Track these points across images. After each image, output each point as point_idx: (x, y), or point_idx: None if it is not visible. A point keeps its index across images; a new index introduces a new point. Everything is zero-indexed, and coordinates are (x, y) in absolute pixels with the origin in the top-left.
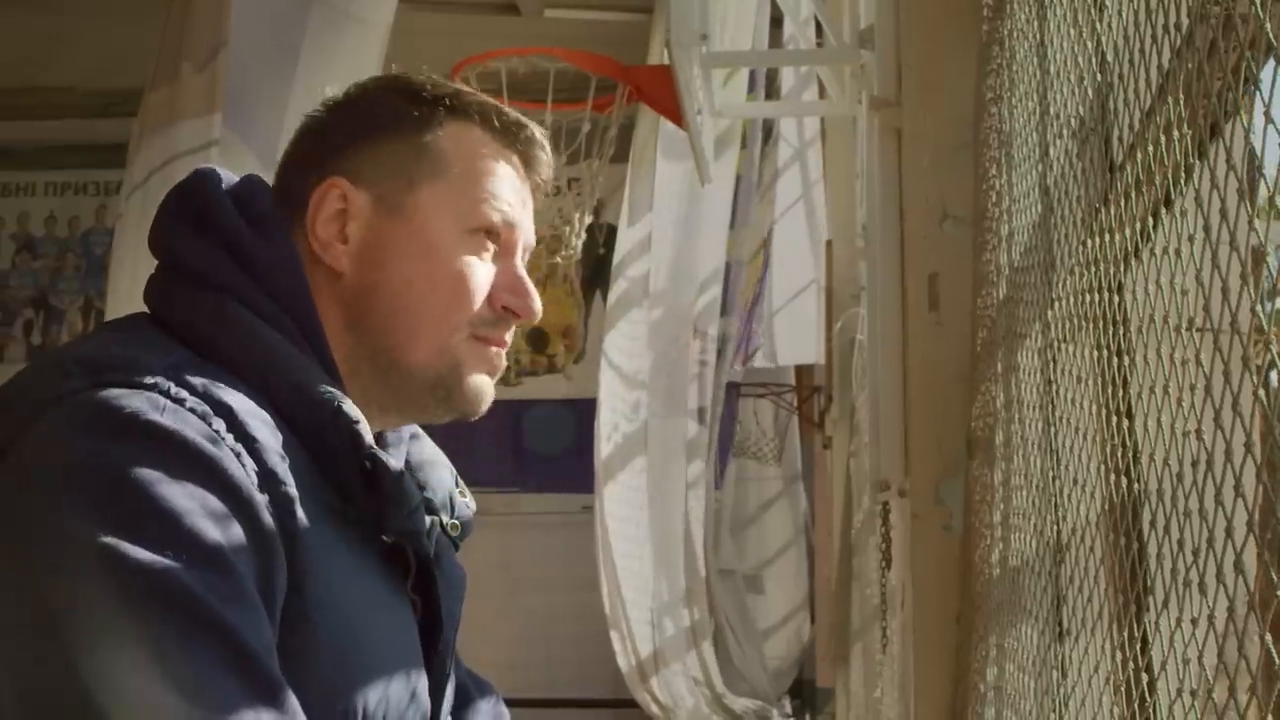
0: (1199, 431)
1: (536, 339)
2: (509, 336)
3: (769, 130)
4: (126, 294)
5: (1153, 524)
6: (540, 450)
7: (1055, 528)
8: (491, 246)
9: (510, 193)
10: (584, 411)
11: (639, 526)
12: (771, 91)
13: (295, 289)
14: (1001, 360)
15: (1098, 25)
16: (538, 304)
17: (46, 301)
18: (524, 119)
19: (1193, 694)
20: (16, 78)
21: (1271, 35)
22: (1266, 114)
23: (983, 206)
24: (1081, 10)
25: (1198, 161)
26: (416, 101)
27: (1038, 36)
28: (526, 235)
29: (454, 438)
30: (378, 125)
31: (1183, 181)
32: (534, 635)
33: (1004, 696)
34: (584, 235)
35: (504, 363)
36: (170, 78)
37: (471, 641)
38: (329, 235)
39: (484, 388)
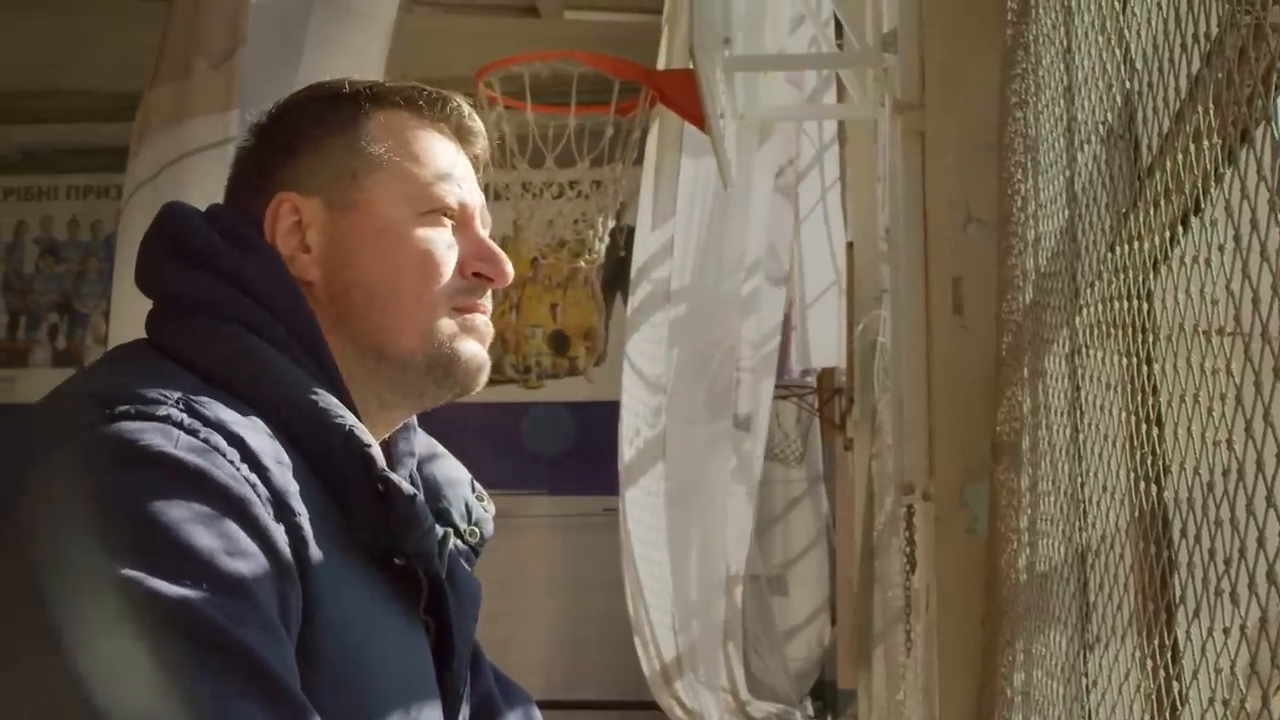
0: (1230, 441)
1: (558, 342)
2: (487, 302)
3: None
4: (133, 293)
5: (1183, 533)
6: (538, 451)
7: (1083, 534)
8: (448, 223)
9: (452, 168)
10: (581, 413)
11: (659, 532)
12: None
13: (289, 299)
14: (1028, 365)
15: (1125, 32)
16: (509, 266)
17: (70, 306)
18: (447, 93)
19: (1225, 703)
20: (37, 81)
21: None
22: None
23: (1007, 211)
24: (1109, 17)
25: (1227, 169)
26: (338, 101)
27: (1064, 42)
28: (481, 208)
29: (473, 440)
30: (307, 133)
31: (1212, 189)
32: (556, 638)
33: (1031, 702)
34: (607, 239)
35: (490, 329)
36: (179, 74)
37: (499, 643)
38: (291, 248)
39: (478, 355)
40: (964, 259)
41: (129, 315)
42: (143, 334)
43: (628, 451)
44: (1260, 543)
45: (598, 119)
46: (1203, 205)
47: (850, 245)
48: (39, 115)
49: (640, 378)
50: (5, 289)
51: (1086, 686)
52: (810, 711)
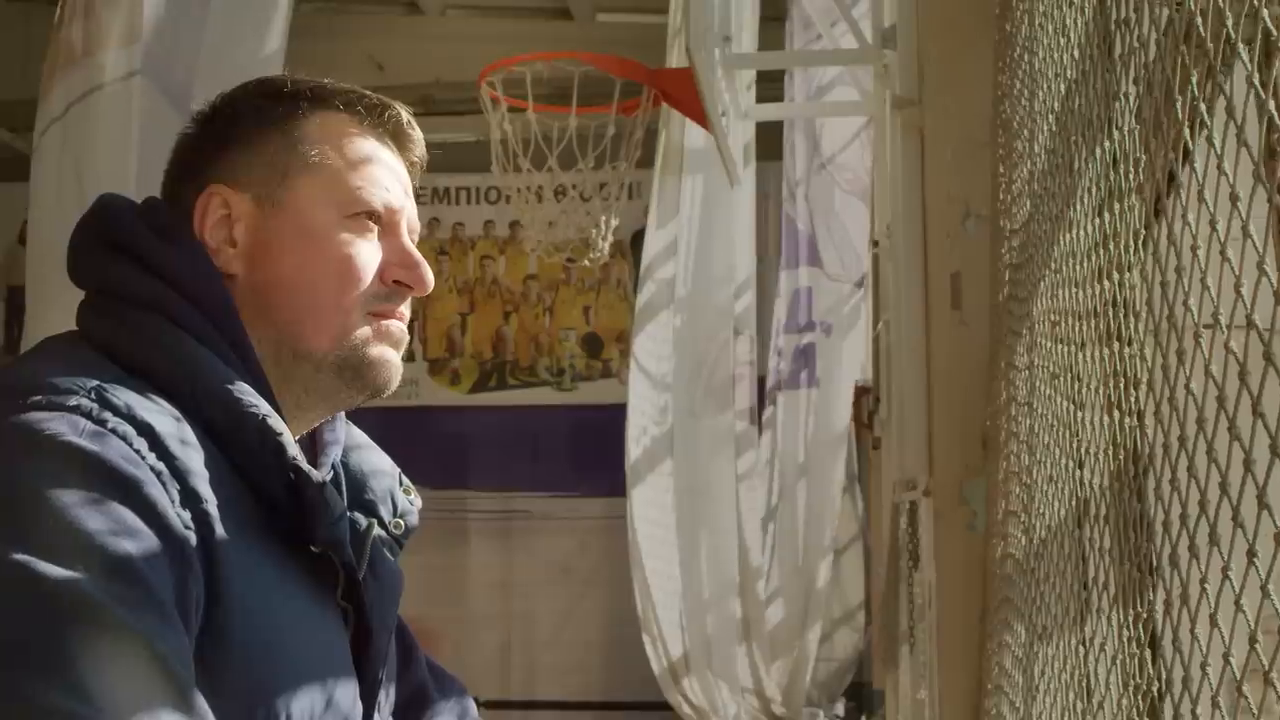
0: (1142, 423)
1: (591, 344)
2: (405, 310)
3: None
4: (50, 231)
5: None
6: (573, 453)
7: (1038, 523)
8: (374, 228)
9: (385, 174)
10: (615, 415)
11: (667, 530)
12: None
13: (211, 290)
14: (1003, 357)
15: (1065, 23)
16: (429, 274)
17: None
18: (388, 100)
19: (1134, 687)
20: None
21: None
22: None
23: (996, 204)
24: (1054, 6)
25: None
26: (279, 99)
27: (1028, 34)
28: (409, 215)
29: (515, 444)
30: (245, 128)
31: (1172, 175)
32: (606, 639)
33: (1003, 692)
34: (611, 238)
35: (406, 336)
36: (85, 12)
37: (541, 643)
38: (217, 241)
39: (389, 359)
40: (962, 254)
41: (43, 261)
42: (53, 287)
43: (634, 450)
44: (1166, 526)
45: (601, 119)
46: (1164, 200)
47: (875, 244)
48: None
49: (646, 376)
50: None
51: (1037, 674)
52: (839, 712)
